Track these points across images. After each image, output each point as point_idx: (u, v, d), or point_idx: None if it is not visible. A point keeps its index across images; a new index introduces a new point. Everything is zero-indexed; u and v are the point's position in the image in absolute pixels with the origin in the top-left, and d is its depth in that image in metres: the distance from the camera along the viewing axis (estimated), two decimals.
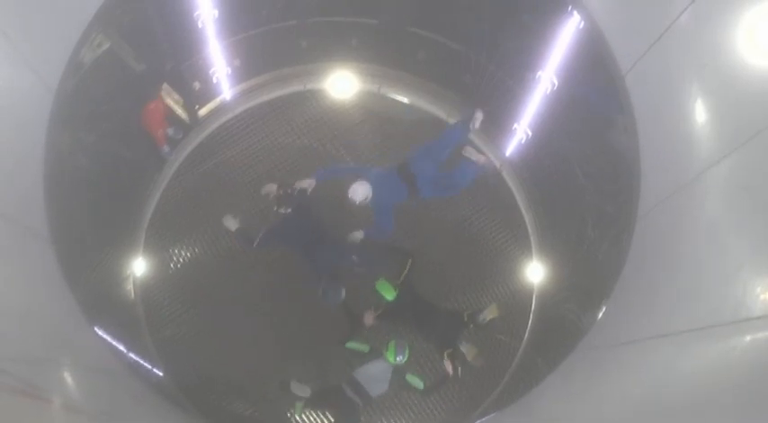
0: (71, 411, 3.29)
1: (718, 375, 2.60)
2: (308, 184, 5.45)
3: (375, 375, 5.66)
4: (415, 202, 5.79)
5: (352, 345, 5.85)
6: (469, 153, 5.71)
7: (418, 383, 5.76)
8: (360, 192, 5.27)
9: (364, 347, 5.86)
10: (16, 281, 3.57)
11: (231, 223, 5.53)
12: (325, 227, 5.68)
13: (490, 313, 5.71)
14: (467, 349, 5.68)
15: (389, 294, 5.74)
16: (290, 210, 5.38)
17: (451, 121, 6.40)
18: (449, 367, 5.59)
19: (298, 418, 6.04)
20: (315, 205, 5.61)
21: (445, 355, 5.67)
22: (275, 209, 5.42)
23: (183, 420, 5.59)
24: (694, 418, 2.53)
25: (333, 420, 5.98)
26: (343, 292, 5.63)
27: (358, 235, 5.65)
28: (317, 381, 5.94)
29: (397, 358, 5.61)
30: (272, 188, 5.45)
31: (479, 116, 5.56)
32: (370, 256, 5.80)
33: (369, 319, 5.76)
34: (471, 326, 5.73)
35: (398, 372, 5.71)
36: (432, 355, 6.07)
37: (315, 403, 5.86)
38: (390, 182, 5.47)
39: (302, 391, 5.76)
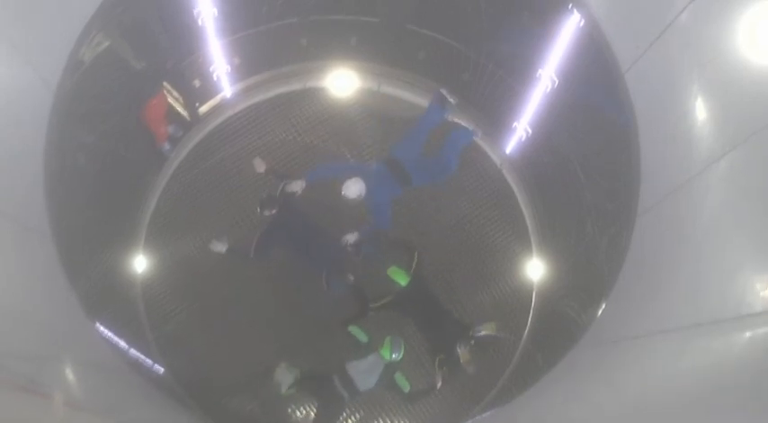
0: (72, 408, 3.30)
1: (718, 372, 2.61)
2: (298, 185, 5.57)
3: (366, 370, 5.65)
4: (411, 192, 5.85)
5: (354, 329, 5.84)
6: (453, 120, 5.73)
7: (405, 385, 5.79)
8: (353, 189, 5.41)
9: (363, 337, 5.84)
10: (17, 278, 3.57)
11: (219, 246, 5.58)
12: (316, 224, 5.75)
13: (487, 329, 5.80)
14: (461, 353, 5.70)
15: (402, 280, 5.80)
16: (274, 211, 5.50)
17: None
18: (438, 378, 5.71)
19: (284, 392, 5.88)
20: (303, 203, 5.69)
21: (437, 360, 5.76)
22: (259, 211, 5.55)
23: (184, 417, 5.60)
24: (695, 415, 2.54)
25: (316, 409, 5.90)
26: (351, 277, 5.76)
27: (351, 237, 5.68)
28: (309, 366, 5.92)
29: (393, 355, 5.62)
30: (261, 166, 5.64)
31: (445, 93, 5.63)
32: (371, 251, 5.84)
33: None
34: (471, 339, 5.80)
35: (389, 369, 5.71)
36: (425, 363, 6.08)
37: (302, 385, 5.81)
38: (382, 176, 5.55)
39: (286, 378, 5.71)
